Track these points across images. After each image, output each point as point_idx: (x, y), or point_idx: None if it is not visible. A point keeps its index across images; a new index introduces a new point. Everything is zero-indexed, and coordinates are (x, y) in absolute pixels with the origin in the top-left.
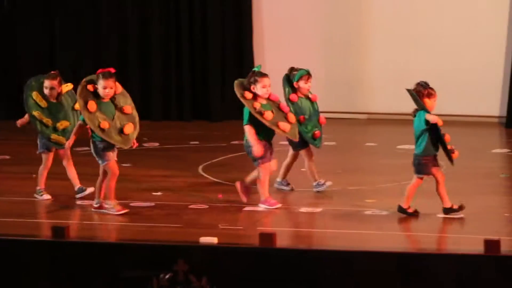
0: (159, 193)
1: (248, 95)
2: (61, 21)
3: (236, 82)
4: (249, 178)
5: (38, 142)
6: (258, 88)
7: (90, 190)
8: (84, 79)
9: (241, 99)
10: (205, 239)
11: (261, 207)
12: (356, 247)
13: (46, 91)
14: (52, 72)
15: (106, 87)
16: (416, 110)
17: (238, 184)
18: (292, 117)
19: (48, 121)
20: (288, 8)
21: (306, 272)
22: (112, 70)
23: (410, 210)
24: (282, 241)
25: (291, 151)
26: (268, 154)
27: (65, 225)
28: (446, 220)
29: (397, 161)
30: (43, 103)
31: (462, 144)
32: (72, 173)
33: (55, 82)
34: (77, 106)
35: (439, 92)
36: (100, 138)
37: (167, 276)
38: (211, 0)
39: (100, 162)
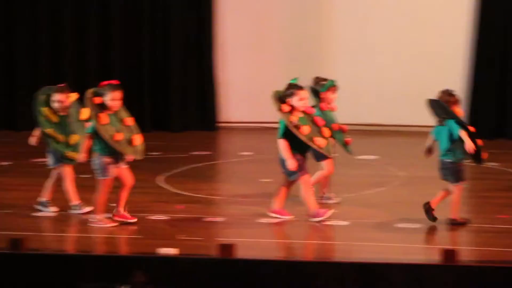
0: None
1: (286, 108)
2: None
3: (273, 93)
4: (277, 199)
5: (49, 157)
6: (295, 101)
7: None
8: (89, 91)
9: (279, 112)
10: (164, 250)
11: (314, 220)
12: (316, 257)
13: (55, 105)
14: (60, 85)
15: (115, 98)
16: (444, 119)
17: (273, 212)
18: (326, 131)
19: (60, 137)
20: (250, 19)
21: (265, 282)
22: (117, 82)
23: (461, 220)
24: (242, 252)
25: (323, 163)
26: (305, 167)
27: (22, 237)
28: (404, 230)
29: (357, 172)
30: (54, 118)
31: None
32: (71, 187)
33: (64, 96)
34: (82, 116)
35: (396, 103)
36: (107, 152)
37: None
38: (173, 11)
39: (100, 176)
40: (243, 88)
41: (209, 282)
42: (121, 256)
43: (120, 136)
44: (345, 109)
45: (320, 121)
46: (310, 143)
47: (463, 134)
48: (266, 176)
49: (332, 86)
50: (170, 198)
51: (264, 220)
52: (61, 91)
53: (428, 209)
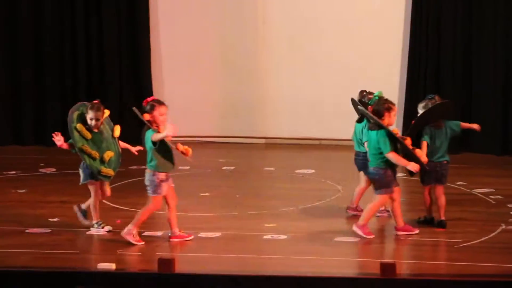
0: (56, 219)
1: (385, 122)
2: None
3: (370, 110)
4: (362, 218)
5: (81, 173)
6: (391, 116)
7: (108, 228)
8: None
9: (382, 127)
10: (103, 265)
11: (401, 233)
12: (255, 271)
13: (91, 122)
14: (95, 102)
15: (162, 113)
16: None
17: (359, 231)
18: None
19: (95, 153)
20: (186, 33)
21: None
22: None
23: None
24: (181, 267)
25: (364, 176)
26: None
27: None
28: (343, 244)
29: (295, 186)
30: (88, 135)
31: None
32: (96, 205)
33: (99, 113)
34: (116, 133)
35: (332, 117)
36: (161, 169)
37: None
38: (107, 27)
39: (151, 193)
40: (180, 102)
41: None
42: (61, 272)
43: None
44: (282, 123)
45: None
46: (411, 155)
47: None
48: (205, 190)
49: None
50: (109, 213)
51: (203, 235)
52: (97, 109)
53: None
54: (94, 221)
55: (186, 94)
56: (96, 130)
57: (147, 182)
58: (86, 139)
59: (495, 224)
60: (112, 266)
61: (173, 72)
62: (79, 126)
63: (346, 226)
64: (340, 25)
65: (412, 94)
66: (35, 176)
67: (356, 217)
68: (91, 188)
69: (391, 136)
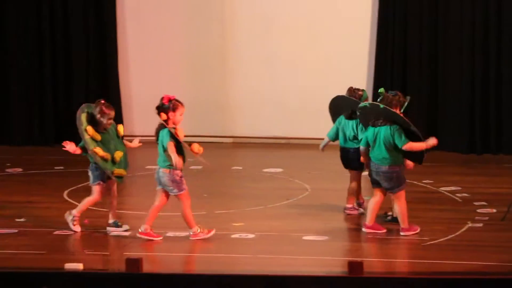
0: (22, 219)
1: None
2: None
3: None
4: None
5: (90, 174)
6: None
7: (125, 227)
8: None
9: (397, 118)
10: (70, 265)
11: (369, 231)
12: (224, 270)
13: (108, 122)
14: (103, 101)
15: (182, 113)
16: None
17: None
18: None
19: (107, 155)
20: (152, 32)
21: None
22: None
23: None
24: (149, 266)
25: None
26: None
27: None
28: (312, 243)
29: (263, 185)
30: (97, 137)
31: (326, 167)
32: (114, 204)
33: (113, 112)
34: (122, 132)
35: (297, 115)
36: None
37: None
38: (74, 26)
39: (176, 191)
40: (147, 101)
41: None
42: (28, 272)
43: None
44: (250, 122)
45: None
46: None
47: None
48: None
49: (366, 98)
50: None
51: (171, 234)
52: (112, 107)
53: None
54: (113, 220)
55: (153, 93)
56: (103, 131)
57: (168, 183)
58: (96, 141)
59: (462, 222)
60: (79, 266)
61: (140, 71)
62: (89, 128)
63: (314, 225)
64: (305, 22)
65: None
66: (1, 176)
67: (350, 217)
68: (97, 189)
69: (406, 126)
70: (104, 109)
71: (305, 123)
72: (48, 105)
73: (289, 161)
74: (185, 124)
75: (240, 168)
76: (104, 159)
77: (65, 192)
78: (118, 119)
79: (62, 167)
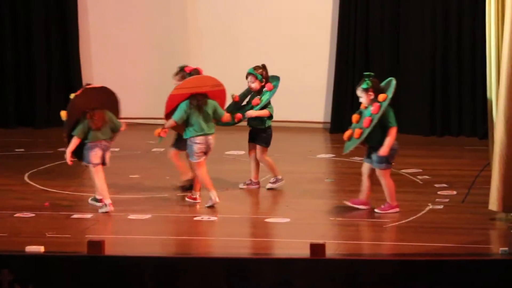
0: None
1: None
2: None
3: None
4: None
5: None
6: None
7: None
8: None
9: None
10: (31, 248)
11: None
12: (185, 253)
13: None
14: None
15: None
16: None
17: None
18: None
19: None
20: (114, 15)
21: (134, 279)
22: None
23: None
24: (111, 249)
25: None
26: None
27: None
28: (273, 225)
29: (225, 167)
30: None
31: (288, 149)
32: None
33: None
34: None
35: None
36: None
37: None
38: (36, 6)
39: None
40: (110, 83)
41: (78, 279)
42: None
43: None
44: None
45: None
46: None
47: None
48: (135, 172)
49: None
50: (37, 196)
51: (133, 216)
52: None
53: None
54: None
55: (115, 76)
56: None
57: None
58: None
59: (423, 204)
60: (40, 248)
61: (102, 55)
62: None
63: (276, 207)
64: (268, 8)
65: (342, 78)
66: None
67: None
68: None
69: None
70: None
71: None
72: (8, 88)
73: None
74: (146, 107)
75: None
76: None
77: (26, 175)
78: None
79: (22, 149)
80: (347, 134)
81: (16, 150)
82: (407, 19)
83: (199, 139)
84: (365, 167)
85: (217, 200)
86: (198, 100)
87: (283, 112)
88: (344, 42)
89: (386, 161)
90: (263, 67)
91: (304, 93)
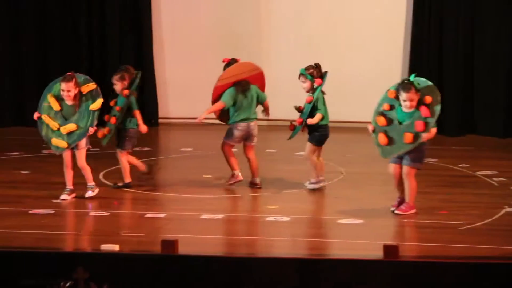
0: (59, 200)
1: None
2: None
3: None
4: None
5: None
6: None
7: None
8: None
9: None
10: (106, 246)
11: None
12: (258, 253)
13: (62, 94)
14: (68, 74)
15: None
16: None
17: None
18: None
19: (54, 125)
20: (187, 15)
21: (207, 279)
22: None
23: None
24: (184, 248)
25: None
26: None
27: None
28: (346, 226)
29: (297, 168)
30: (56, 106)
31: (360, 151)
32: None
33: (70, 84)
34: (93, 106)
35: (334, 99)
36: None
37: (67, 284)
38: (110, 8)
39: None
40: (182, 84)
41: (152, 278)
42: (63, 252)
43: None
44: (284, 104)
45: None
46: None
47: None
48: (207, 172)
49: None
50: (112, 194)
51: (206, 216)
52: (68, 80)
53: None
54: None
55: (187, 75)
56: (70, 103)
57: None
58: (54, 111)
59: (498, 207)
60: (115, 247)
61: (175, 54)
62: (49, 96)
63: (347, 208)
64: (344, 4)
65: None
66: (38, 157)
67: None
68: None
69: None
70: (60, 81)
71: (340, 106)
72: None
73: (324, 144)
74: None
75: (274, 151)
76: (49, 128)
77: (101, 174)
78: (153, 101)
79: (96, 149)
80: (383, 138)
81: (93, 149)
82: (481, 23)
83: (241, 126)
84: (394, 168)
85: (241, 178)
86: (242, 85)
87: (357, 113)
88: (421, 41)
89: (420, 160)
90: (316, 66)
91: (377, 96)
